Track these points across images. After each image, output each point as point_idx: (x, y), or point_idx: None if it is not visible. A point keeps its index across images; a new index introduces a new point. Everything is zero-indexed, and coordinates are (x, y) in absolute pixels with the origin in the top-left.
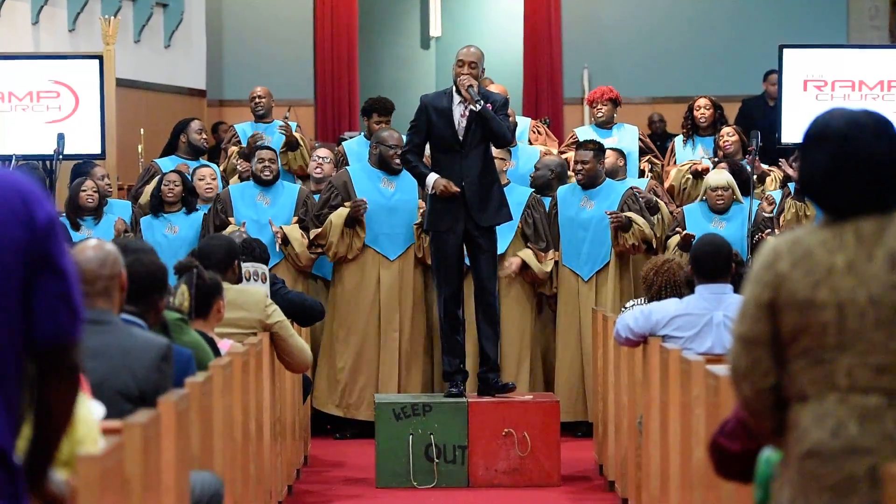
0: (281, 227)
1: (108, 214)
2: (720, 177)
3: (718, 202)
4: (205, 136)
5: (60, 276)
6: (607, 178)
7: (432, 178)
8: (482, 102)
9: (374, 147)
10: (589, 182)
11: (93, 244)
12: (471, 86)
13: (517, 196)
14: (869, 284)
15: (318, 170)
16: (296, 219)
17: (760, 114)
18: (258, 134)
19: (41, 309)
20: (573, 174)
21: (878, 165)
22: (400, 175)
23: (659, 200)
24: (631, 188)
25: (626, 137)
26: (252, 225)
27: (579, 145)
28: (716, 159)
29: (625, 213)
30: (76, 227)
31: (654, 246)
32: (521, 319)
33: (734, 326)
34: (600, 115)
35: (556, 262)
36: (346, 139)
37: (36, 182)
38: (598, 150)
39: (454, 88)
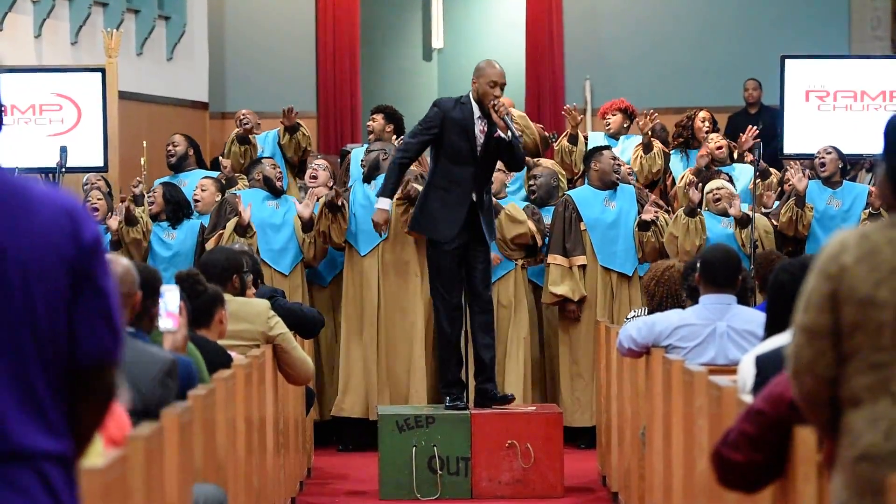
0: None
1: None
2: (716, 181)
3: (717, 203)
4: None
5: (102, 294)
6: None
7: (384, 202)
8: (514, 133)
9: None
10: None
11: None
12: (508, 114)
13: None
14: None
15: (312, 180)
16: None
17: (743, 123)
18: (250, 117)
19: (84, 327)
20: (602, 173)
21: None
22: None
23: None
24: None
25: (630, 149)
26: (266, 226)
27: (603, 148)
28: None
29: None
30: None
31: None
32: (522, 327)
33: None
34: (608, 125)
35: (584, 266)
36: (348, 151)
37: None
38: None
39: (472, 100)
